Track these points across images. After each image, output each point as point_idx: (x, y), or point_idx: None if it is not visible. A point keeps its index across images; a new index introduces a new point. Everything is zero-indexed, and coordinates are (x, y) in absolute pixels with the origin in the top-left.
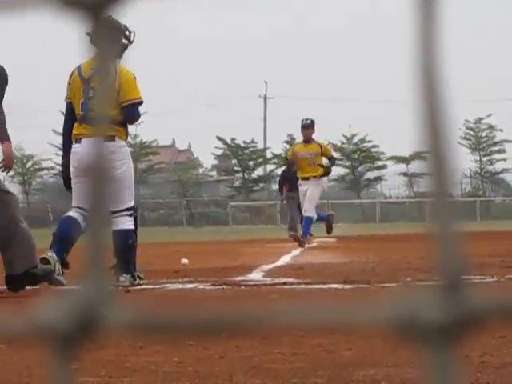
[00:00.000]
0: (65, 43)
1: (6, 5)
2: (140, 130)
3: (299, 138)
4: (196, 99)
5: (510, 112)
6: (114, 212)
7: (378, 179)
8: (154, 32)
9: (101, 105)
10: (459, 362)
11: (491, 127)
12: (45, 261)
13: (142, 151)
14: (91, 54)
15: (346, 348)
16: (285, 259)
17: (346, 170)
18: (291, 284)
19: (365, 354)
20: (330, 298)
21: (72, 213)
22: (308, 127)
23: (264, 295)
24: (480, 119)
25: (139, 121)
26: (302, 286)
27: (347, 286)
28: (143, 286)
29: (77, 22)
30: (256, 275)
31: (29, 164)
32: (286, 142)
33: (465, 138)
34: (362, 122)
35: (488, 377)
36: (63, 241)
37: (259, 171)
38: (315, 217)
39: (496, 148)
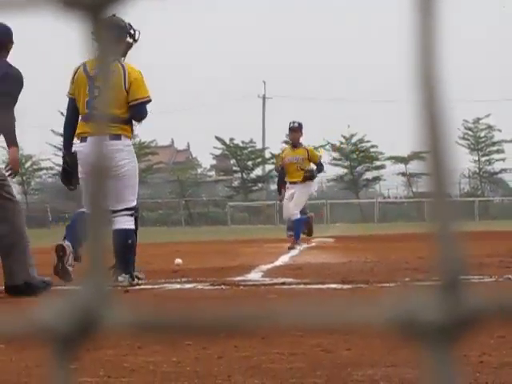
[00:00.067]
0: (64, 43)
1: (6, 5)
2: (139, 130)
3: None
4: (195, 99)
5: (508, 112)
6: (115, 211)
7: (377, 179)
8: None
9: (105, 103)
10: (458, 362)
11: (490, 127)
12: (61, 248)
13: (140, 151)
14: (96, 52)
15: (345, 348)
16: (283, 259)
17: (345, 170)
18: (290, 284)
19: (363, 353)
20: (329, 298)
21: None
22: (296, 130)
23: (262, 295)
24: (478, 119)
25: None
26: (301, 286)
27: (346, 286)
28: (142, 286)
29: (77, 22)
30: (255, 275)
31: (27, 164)
32: (285, 142)
33: (463, 138)
34: (360, 122)
35: (487, 377)
36: (76, 234)
37: (258, 171)
38: (298, 217)
39: (494, 148)
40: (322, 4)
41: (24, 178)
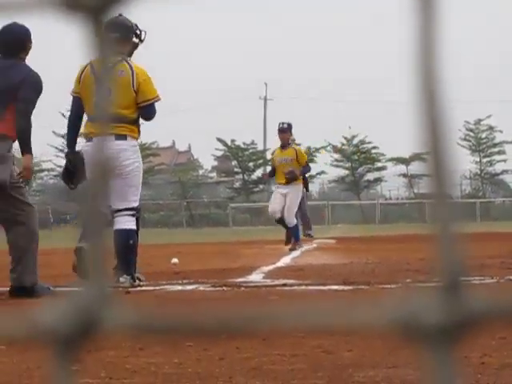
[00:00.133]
0: (65, 45)
1: (8, 8)
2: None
3: (299, 139)
4: (196, 101)
5: (509, 113)
6: (117, 211)
7: (378, 180)
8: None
9: (109, 104)
10: (459, 363)
11: (491, 128)
12: (80, 250)
13: (142, 153)
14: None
15: (346, 349)
16: (285, 260)
17: (346, 172)
18: (291, 285)
19: (364, 355)
20: (330, 300)
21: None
22: (285, 131)
23: (264, 296)
24: (480, 120)
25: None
26: (302, 288)
27: (347, 288)
28: (143, 288)
29: (78, 24)
30: (256, 276)
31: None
32: None
33: (464, 139)
34: (362, 123)
35: (488, 378)
36: None
37: (259, 172)
38: (295, 222)
39: (496, 149)
40: (323, 5)
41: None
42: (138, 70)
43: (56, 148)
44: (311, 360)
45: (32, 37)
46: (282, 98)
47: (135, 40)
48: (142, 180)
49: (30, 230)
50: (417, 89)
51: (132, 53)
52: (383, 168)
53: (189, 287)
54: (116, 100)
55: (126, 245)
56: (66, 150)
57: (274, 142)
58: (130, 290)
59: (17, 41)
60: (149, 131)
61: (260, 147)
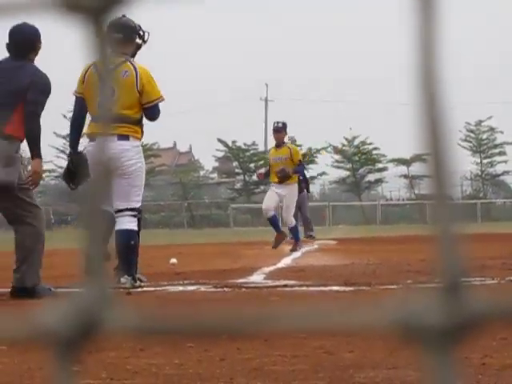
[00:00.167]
0: (65, 46)
1: (9, 9)
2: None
3: (300, 140)
4: (197, 101)
5: (510, 114)
6: (119, 211)
7: (379, 181)
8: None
9: (114, 105)
10: (459, 364)
11: (492, 129)
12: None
13: (143, 153)
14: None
15: (347, 350)
16: (286, 261)
17: (347, 173)
18: (292, 286)
19: (365, 356)
20: (331, 301)
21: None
22: (279, 131)
23: (265, 297)
24: (480, 121)
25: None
26: (303, 288)
27: (348, 289)
28: (144, 288)
29: (78, 25)
30: (257, 277)
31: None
32: None
33: (465, 140)
34: (362, 124)
35: (489, 379)
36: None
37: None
38: (294, 222)
39: (496, 150)
40: (323, 5)
41: None
42: (142, 71)
43: (57, 149)
44: (312, 361)
45: (42, 37)
46: (283, 99)
47: (138, 41)
48: (144, 181)
49: (37, 231)
50: (417, 90)
51: (135, 54)
52: (384, 169)
53: (190, 288)
54: (119, 100)
55: (128, 245)
56: (68, 151)
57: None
58: (131, 290)
59: (26, 41)
60: (150, 132)
61: (261, 148)
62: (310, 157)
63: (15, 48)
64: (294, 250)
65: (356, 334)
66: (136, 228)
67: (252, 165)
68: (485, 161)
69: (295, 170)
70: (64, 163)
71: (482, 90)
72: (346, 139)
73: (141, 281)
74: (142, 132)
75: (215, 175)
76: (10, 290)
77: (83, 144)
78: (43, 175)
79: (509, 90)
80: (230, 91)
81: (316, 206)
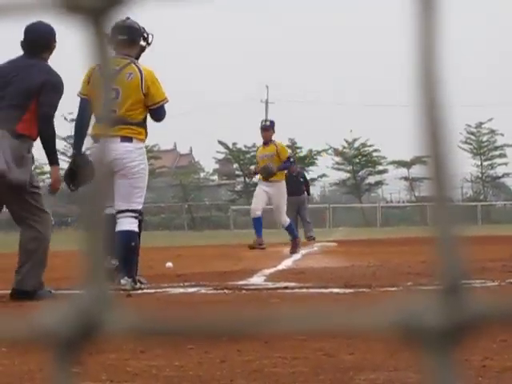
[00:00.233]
0: (66, 47)
1: (9, 10)
2: None
3: (300, 142)
4: (197, 103)
5: (510, 117)
6: (120, 211)
7: (379, 183)
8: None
9: (118, 106)
10: (460, 366)
11: (492, 132)
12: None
13: None
14: (111, 55)
15: (347, 352)
16: (286, 263)
17: (347, 175)
18: (292, 288)
19: (366, 358)
20: (332, 303)
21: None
22: (267, 129)
23: (265, 299)
24: (481, 124)
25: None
26: (303, 291)
27: (348, 291)
28: (144, 290)
29: (78, 26)
30: (257, 279)
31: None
32: (288, 146)
33: (466, 143)
34: (363, 126)
35: (489, 381)
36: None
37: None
38: (288, 221)
39: (497, 152)
40: (325, 5)
41: None
42: (147, 73)
43: (58, 151)
44: (312, 363)
45: (57, 37)
46: (283, 101)
47: (142, 43)
48: (146, 183)
49: (41, 236)
50: (418, 91)
51: (139, 56)
52: (384, 171)
53: (190, 290)
54: (124, 102)
55: (128, 247)
56: (69, 152)
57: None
58: (131, 292)
59: (41, 40)
60: (150, 134)
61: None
62: (310, 159)
63: (29, 46)
64: (293, 251)
65: (356, 335)
66: (137, 229)
67: (252, 167)
68: (485, 163)
69: (280, 166)
70: (65, 165)
71: (483, 92)
72: (347, 141)
73: (141, 283)
74: (146, 133)
75: (215, 177)
76: (10, 291)
77: (88, 145)
78: (44, 177)
79: (510, 92)
80: (231, 93)
81: (316, 208)
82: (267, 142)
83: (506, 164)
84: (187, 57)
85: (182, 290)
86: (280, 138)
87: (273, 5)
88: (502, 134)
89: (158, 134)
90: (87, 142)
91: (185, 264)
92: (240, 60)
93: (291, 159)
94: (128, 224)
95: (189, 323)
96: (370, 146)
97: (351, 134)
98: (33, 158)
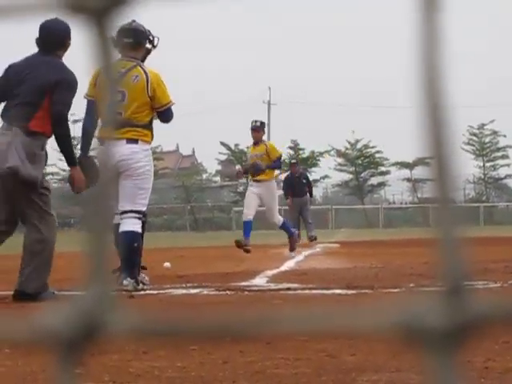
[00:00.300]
0: (70, 48)
1: (12, 10)
2: None
3: (303, 143)
4: (200, 104)
5: None
6: (124, 212)
7: (382, 185)
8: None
9: (124, 108)
10: (462, 368)
11: (495, 133)
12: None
13: None
14: (117, 57)
15: (350, 353)
16: (288, 264)
17: (350, 176)
18: (295, 289)
19: (368, 359)
20: (334, 304)
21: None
22: (257, 130)
23: (267, 300)
24: (483, 125)
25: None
26: (306, 292)
27: (350, 292)
28: (147, 291)
29: (82, 26)
30: (260, 280)
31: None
32: (290, 147)
33: (468, 144)
34: (365, 128)
35: (491, 382)
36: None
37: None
38: (282, 220)
39: (499, 154)
40: (328, 5)
41: None
42: (153, 75)
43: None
44: (315, 364)
45: (72, 34)
46: (285, 102)
47: (148, 46)
48: (151, 185)
49: (45, 239)
50: (420, 92)
51: (145, 58)
52: (387, 172)
53: (192, 291)
54: (130, 104)
55: (131, 247)
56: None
57: (278, 146)
58: (133, 293)
59: (56, 37)
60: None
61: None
62: (312, 160)
63: (44, 43)
64: (292, 249)
65: (359, 337)
66: (140, 230)
67: (237, 167)
68: (487, 164)
69: (270, 165)
70: (67, 166)
71: (485, 93)
72: (349, 142)
73: (143, 284)
74: (152, 136)
75: (218, 178)
76: (13, 293)
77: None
78: (47, 178)
79: None
80: (234, 95)
81: (318, 209)
82: (257, 142)
83: (508, 165)
84: (189, 57)
85: (184, 291)
86: (282, 139)
87: (274, 5)
88: (505, 136)
89: (160, 135)
90: (94, 145)
91: (187, 265)
92: (243, 61)
93: (281, 159)
94: (131, 225)
95: (191, 324)
96: (373, 147)
97: (353, 135)
98: (46, 155)
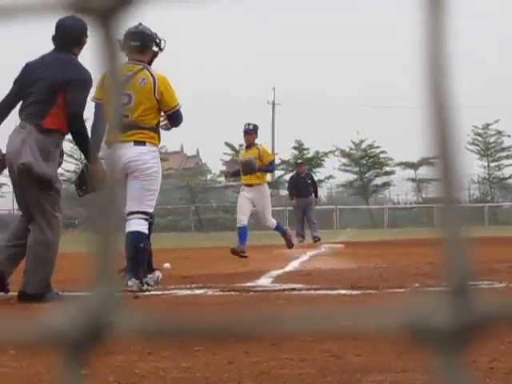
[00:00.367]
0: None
1: (17, 11)
2: None
3: (307, 144)
4: (204, 105)
5: None
6: (131, 213)
7: (386, 185)
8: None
9: (130, 111)
10: (468, 368)
11: (499, 133)
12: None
13: None
14: (124, 60)
15: (354, 354)
16: (293, 265)
17: (354, 176)
18: (300, 290)
19: (373, 359)
20: (339, 304)
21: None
22: (250, 133)
23: (272, 301)
24: (488, 125)
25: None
26: (311, 292)
27: (355, 292)
28: (152, 292)
29: (89, 27)
30: (264, 281)
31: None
32: (294, 147)
33: (473, 144)
34: (370, 128)
35: (496, 382)
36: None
37: (267, 177)
38: (275, 222)
39: (504, 154)
40: (332, 5)
41: None
42: (160, 78)
43: (65, 153)
44: (320, 364)
45: (88, 32)
46: (290, 103)
47: (155, 49)
48: (159, 187)
49: (49, 241)
50: (426, 92)
51: (152, 61)
52: (391, 172)
53: (197, 292)
54: (137, 107)
55: (137, 248)
56: (81, 156)
57: (282, 146)
58: (138, 294)
59: (71, 35)
60: None
61: (268, 152)
62: (317, 160)
63: (59, 41)
64: (289, 246)
65: (364, 337)
66: (146, 231)
67: (224, 167)
68: (492, 164)
69: (263, 168)
70: (71, 167)
71: (490, 93)
72: (353, 142)
73: (148, 285)
74: (159, 138)
75: (222, 179)
76: (17, 293)
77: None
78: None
79: None
80: (238, 95)
81: (323, 210)
82: (250, 145)
83: None
84: (193, 58)
85: (189, 292)
86: (286, 139)
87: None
88: (509, 136)
89: (165, 135)
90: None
91: (192, 266)
92: (247, 61)
93: (273, 164)
94: (137, 225)
95: (196, 325)
96: (377, 147)
97: (358, 136)
98: (62, 152)
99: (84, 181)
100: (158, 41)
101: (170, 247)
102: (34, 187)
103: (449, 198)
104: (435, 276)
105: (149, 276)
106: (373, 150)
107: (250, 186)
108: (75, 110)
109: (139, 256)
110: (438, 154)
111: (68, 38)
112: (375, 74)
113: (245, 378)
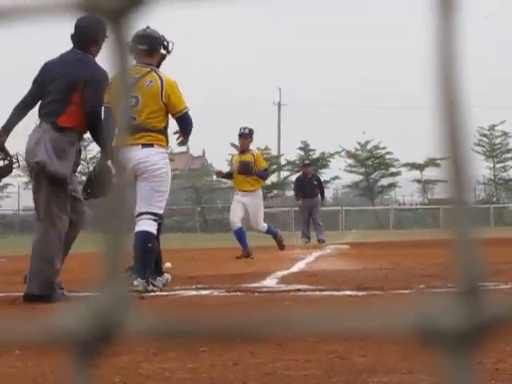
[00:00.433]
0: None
1: (26, 12)
2: None
3: (313, 144)
4: (210, 105)
5: None
6: (140, 214)
7: (392, 186)
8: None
9: (138, 114)
10: (475, 369)
11: (505, 134)
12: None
13: None
14: (132, 63)
15: (360, 355)
16: (299, 266)
17: (360, 177)
18: (305, 291)
19: (378, 360)
20: (345, 305)
21: None
22: (245, 137)
23: (278, 302)
24: (494, 126)
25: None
26: (316, 293)
27: (361, 293)
28: (157, 293)
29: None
30: (270, 282)
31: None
32: (300, 148)
33: (478, 145)
34: (375, 129)
35: (502, 383)
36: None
37: (273, 178)
38: (266, 226)
39: (510, 155)
40: (337, 10)
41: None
42: (167, 81)
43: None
44: (325, 365)
45: (106, 32)
46: (296, 103)
47: (163, 51)
48: (168, 189)
49: (52, 242)
50: (436, 92)
51: (160, 64)
52: (397, 173)
53: (203, 292)
54: (143, 109)
55: (145, 248)
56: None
57: (288, 147)
58: (144, 295)
59: (88, 34)
60: None
61: (274, 152)
62: (323, 161)
63: (77, 40)
64: (281, 247)
65: (371, 338)
66: (155, 232)
67: (217, 168)
68: (498, 165)
69: (261, 174)
70: (78, 168)
71: (490, 93)
72: (359, 143)
73: (154, 285)
74: (167, 141)
75: (228, 180)
76: (23, 294)
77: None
78: None
79: None
80: (244, 96)
81: (329, 211)
82: (244, 150)
83: None
84: (200, 58)
85: (194, 293)
86: (292, 140)
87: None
88: None
89: (170, 136)
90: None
91: (197, 266)
92: (253, 61)
93: (267, 172)
94: (146, 225)
95: (201, 325)
96: (383, 148)
97: (364, 136)
98: (79, 150)
99: (91, 184)
100: (165, 43)
101: (175, 248)
102: (46, 187)
103: (459, 199)
104: (441, 277)
105: (158, 279)
106: (379, 150)
107: (244, 191)
108: (91, 108)
109: (147, 256)
110: (449, 154)
111: (85, 37)
112: (382, 75)
113: (250, 379)
